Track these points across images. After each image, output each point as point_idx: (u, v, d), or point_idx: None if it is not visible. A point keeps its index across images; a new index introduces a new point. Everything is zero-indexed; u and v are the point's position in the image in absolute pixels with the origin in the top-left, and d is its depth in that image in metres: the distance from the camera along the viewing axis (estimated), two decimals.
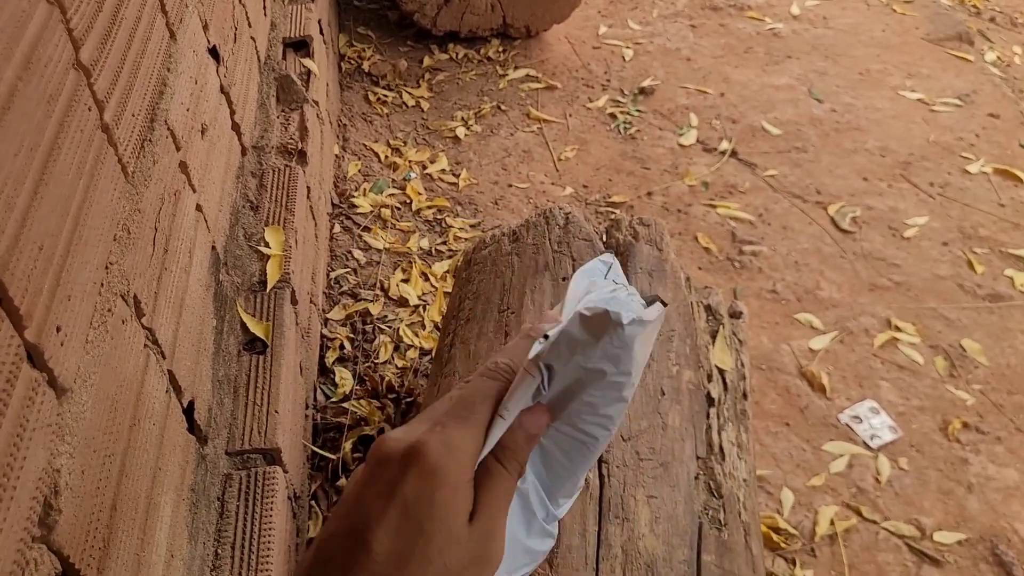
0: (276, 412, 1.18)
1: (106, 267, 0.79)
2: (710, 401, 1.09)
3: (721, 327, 1.24)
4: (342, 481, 1.41)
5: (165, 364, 0.93)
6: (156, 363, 0.90)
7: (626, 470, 0.93)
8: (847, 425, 1.75)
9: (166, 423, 0.90)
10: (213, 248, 1.20)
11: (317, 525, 1.33)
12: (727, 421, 1.10)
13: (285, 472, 1.18)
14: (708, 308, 1.26)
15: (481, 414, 0.47)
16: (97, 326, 0.75)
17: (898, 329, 1.99)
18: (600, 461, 0.94)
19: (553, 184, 2.42)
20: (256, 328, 1.28)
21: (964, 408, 1.80)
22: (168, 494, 0.88)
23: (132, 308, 0.85)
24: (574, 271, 1.22)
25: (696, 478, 0.98)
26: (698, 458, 1.00)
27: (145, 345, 0.87)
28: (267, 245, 1.44)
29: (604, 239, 1.30)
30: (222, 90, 1.38)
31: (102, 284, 0.77)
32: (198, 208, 1.14)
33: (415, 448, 0.44)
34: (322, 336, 1.74)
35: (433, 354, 1.55)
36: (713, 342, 1.21)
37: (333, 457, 1.44)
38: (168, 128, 1.04)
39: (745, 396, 1.20)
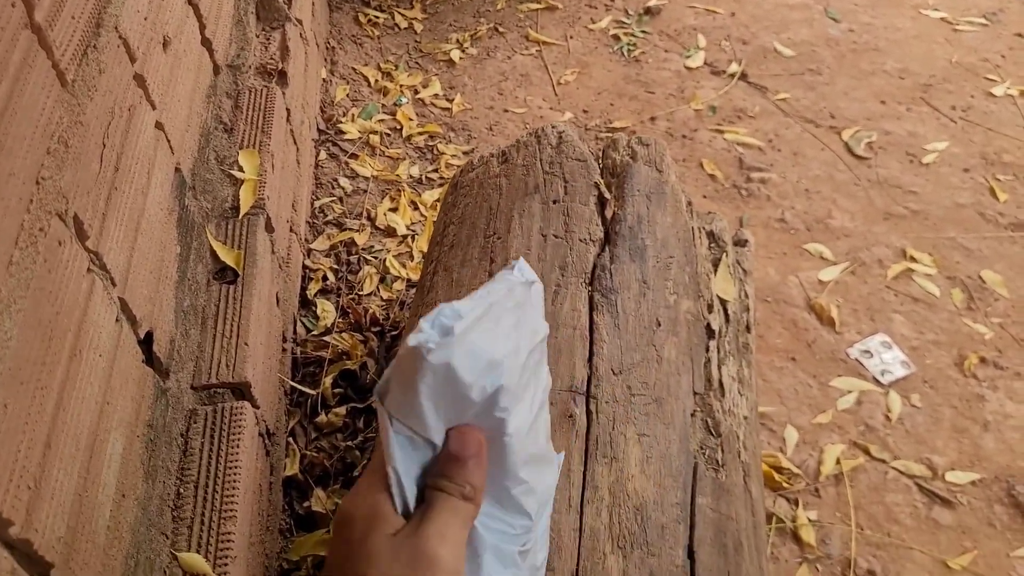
0: (246, 344, 1.13)
1: (37, 182, 0.72)
2: (710, 333, 1.03)
3: (724, 255, 1.17)
4: (321, 417, 1.37)
5: (115, 291, 0.87)
6: (103, 290, 0.83)
7: (616, 406, 0.87)
8: (857, 360, 1.69)
9: (116, 355, 0.84)
10: (177, 170, 1.13)
11: (294, 463, 1.28)
12: (728, 355, 1.04)
13: (256, 408, 1.12)
14: (711, 235, 1.19)
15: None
16: (25, 246, 0.68)
17: (914, 260, 1.92)
18: (588, 396, 0.88)
19: (552, 109, 2.33)
20: (226, 256, 1.22)
21: (982, 342, 1.74)
22: (118, 430, 0.82)
23: (72, 229, 0.79)
24: (566, 193, 1.15)
25: (692, 415, 0.93)
26: (695, 394, 0.94)
27: (89, 270, 0.81)
28: (241, 169, 1.37)
29: (600, 160, 1.22)
30: (189, 1, 1.29)
31: (31, 200, 0.71)
32: (158, 126, 1.07)
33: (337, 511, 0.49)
34: (304, 267, 1.68)
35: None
36: (715, 271, 1.14)
37: (312, 392, 1.39)
38: (120, 36, 0.96)
39: (748, 328, 1.13)
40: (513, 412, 0.50)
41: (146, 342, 0.95)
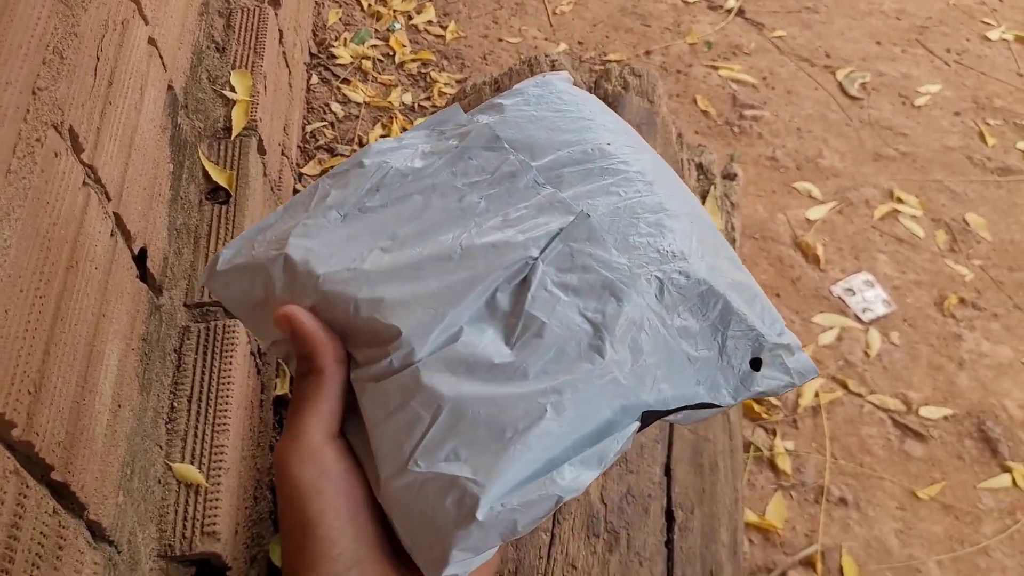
0: None
1: (33, 92, 0.72)
2: None
3: (712, 187, 1.18)
4: None
5: (110, 206, 0.88)
6: (99, 203, 0.84)
7: None
8: (839, 298, 1.72)
9: (111, 268, 0.86)
10: (170, 88, 1.13)
11: (284, 383, 1.30)
12: None
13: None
14: (700, 167, 1.20)
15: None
16: (22, 156, 0.69)
17: (900, 201, 1.94)
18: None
19: (546, 40, 2.31)
20: (219, 176, 1.22)
21: (962, 283, 1.77)
22: (114, 342, 0.84)
23: (67, 141, 0.79)
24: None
25: None
26: None
27: (84, 183, 0.81)
28: (233, 90, 1.36)
29: (592, 90, 1.22)
30: None
31: (28, 110, 0.71)
32: (151, 42, 1.06)
33: (274, 460, 0.43)
34: (295, 192, 1.68)
35: None
36: (703, 203, 1.15)
37: None
38: None
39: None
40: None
41: (140, 258, 0.96)
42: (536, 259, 0.45)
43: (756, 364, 0.47)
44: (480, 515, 0.39)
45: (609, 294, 0.44)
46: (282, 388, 1.30)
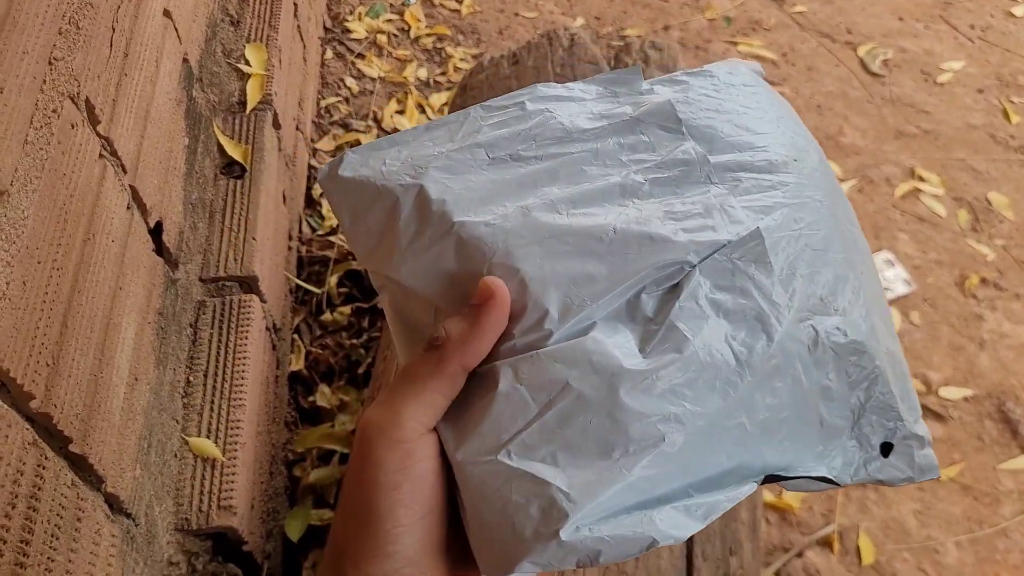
0: (254, 239, 1.14)
1: (49, 62, 0.72)
2: None
3: None
4: (326, 315, 1.38)
5: (126, 179, 0.88)
6: (115, 176, 0.84)
7: None
8: None
9: (128, 241, 0.85)
10: (185, 60, 1.12)
11: (299, 359, 1.30)
12: None
13: (263, 302, 1.14)
14: None
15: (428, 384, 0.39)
16: (39, 127, 0.69)
17: (922, 179, 1.92)
18: None
19: (563, 14, 2.29)
20: (234, 151, 1.22)
21: (984, 263, 1.75)
22: (131, 315, 0.84)
23: (84, 112, 0.79)
24: None
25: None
26: None
27: (101, 155, 0.81)
28: (248, 63, 1.35)
29: (612, 64, 1.21)
30: None
31: (44, 80, 0.70)
32: (166, 14, 1.06)
33: (358, 426, 0.40)
34: (310, 167, 1.67)
35: None
36: None
37: (318, 291, 1.40)
38: None
39: None
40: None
41: (156, 232, 0.96)
42: (695, 267, 0.40)
43: (886, 449, 0.44)
44: (565, 534, 0.35)
45: (761, 329, 0.40)
46: (297, 364, 1.30)
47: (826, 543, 1.31)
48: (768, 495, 1.33)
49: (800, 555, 1.28)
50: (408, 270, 0.43)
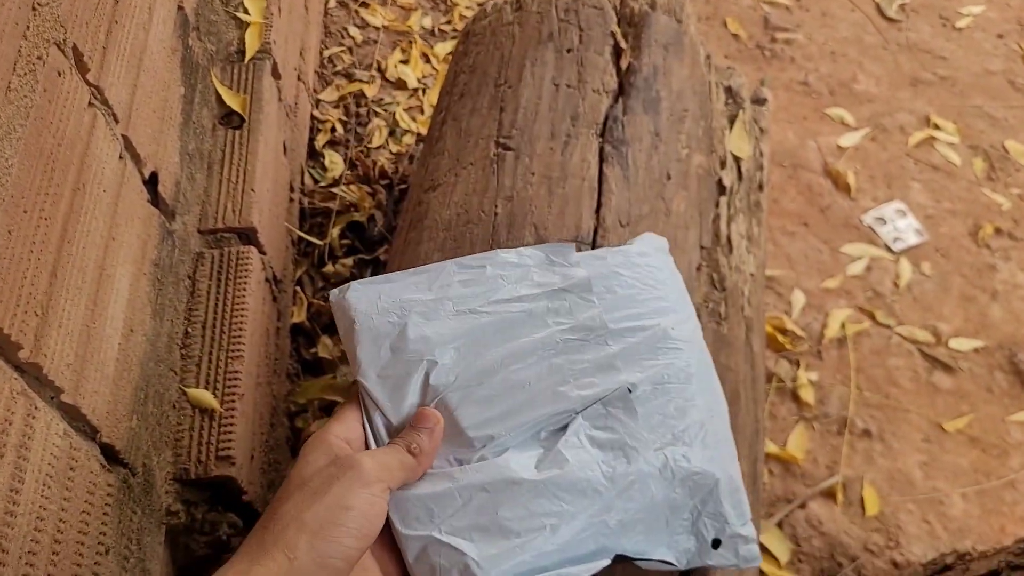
0: (252, 190, 1.13)
1: (33, 8, 0.70)
2: (721, 189, 1.02)
3: (741, 111, 1.15)
4: (329, 267, 1.38)
5: (118, 128, 0.87)
6: (106, 125, 0.83)
7: None
8: (870, 227, 1.69)
9: (121, 191, 0.85)
10: (180, 8, 1.10)
11: (302, 311, 1.30)
12: (738, 212, 1.03)
13: (262, 254, 1.14)
14: (728, 90, 1.17)
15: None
16: (23, 73, 0.68)
17: (937, 127, 1.88)
18: (593, 247, 0.88)
19: None
20: (232, 100, 1.20)
21: (999, 213, 1.73)
22: (125, 266, 0.84)
23: (71, 60, 0.77)
24: (581, 42, 1.13)
25: (698, 269, 0.93)
26: (702, 248, 0.94)
27: (90, 104, 0.80)
28: (246, 11, 1.33)
29: (618, 8, 1.18)
30: None
31: (28, 26, 0.69)
32: None
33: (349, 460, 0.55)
34: (312, 118, 1.66)
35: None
36: (730, 127, 1.12)
37: (320, 243, 1.40)
38: None
39: (761, 187, 1.12)
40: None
41: (151, 183, 0.95)
42: (578, 414, 0.60)
43: (716, 544, 0.61)
44: None
45: (623, 455, 0.59)
46: (299, 316, 1.30)
47: (830, 494, 1.31)
48: (772, 445, 1.33)
49: (803, 506, 1.28)
50: (375, 377, 0.63)
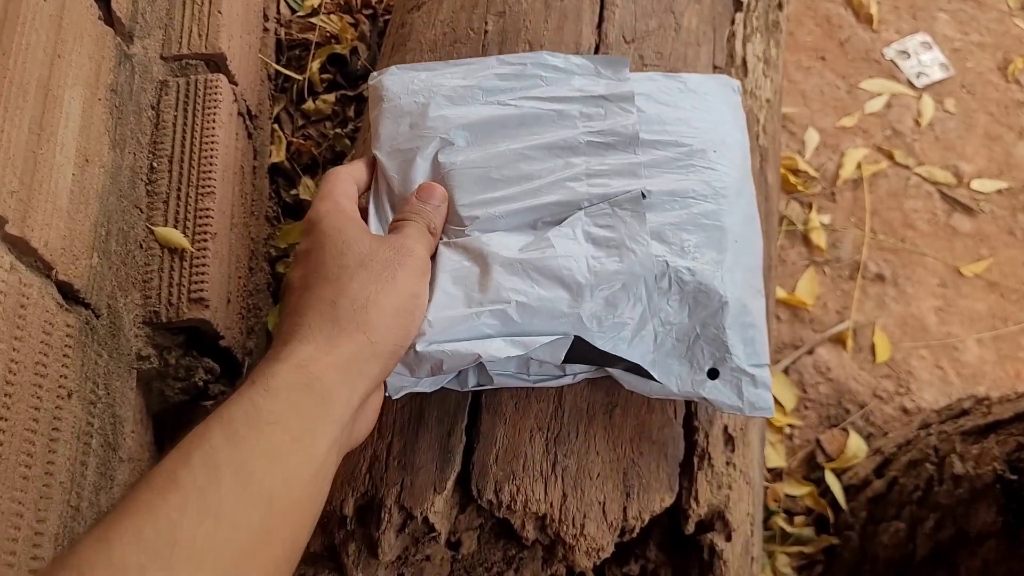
0: (219, 12, 1.04)
1: None
2: (738, 5, 0.94)
3: None
4: (309, 104, 1.30)
5: None
6: None
7: None
8: (892, 61, 1.59)
9: (65, 2, 0.77)
10: None
11: (280, 150, 1.23)
12: (755, 31, 0.95)
13: (234, 84, 1.06)
14: None
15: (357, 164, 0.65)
16: None
17: None
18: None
19: None
20: None
21: None
22: (75, 88, 0.76)
23: None
24: None
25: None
26: (715, 68, 0.87)
27: None
28: None
29: None
30: None
31: None
32: None
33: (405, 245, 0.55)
34: None
35: None
36: None
37: (299, 77, 1.31)
38: None
39: (780, 6, 1.04)
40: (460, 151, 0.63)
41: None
42: (581, 209, 0.58)
43: (713, 374, 0.56)
44: (419, 347, 0.52)
45: (617, 255, 0.55)
46: (277, 156, 1.23)
47: (839, 340, 1.28)
48: (780, 291, 1.29)
49: (811, 352, 1.26)
50: (388, 151, 0.64)
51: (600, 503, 0.57)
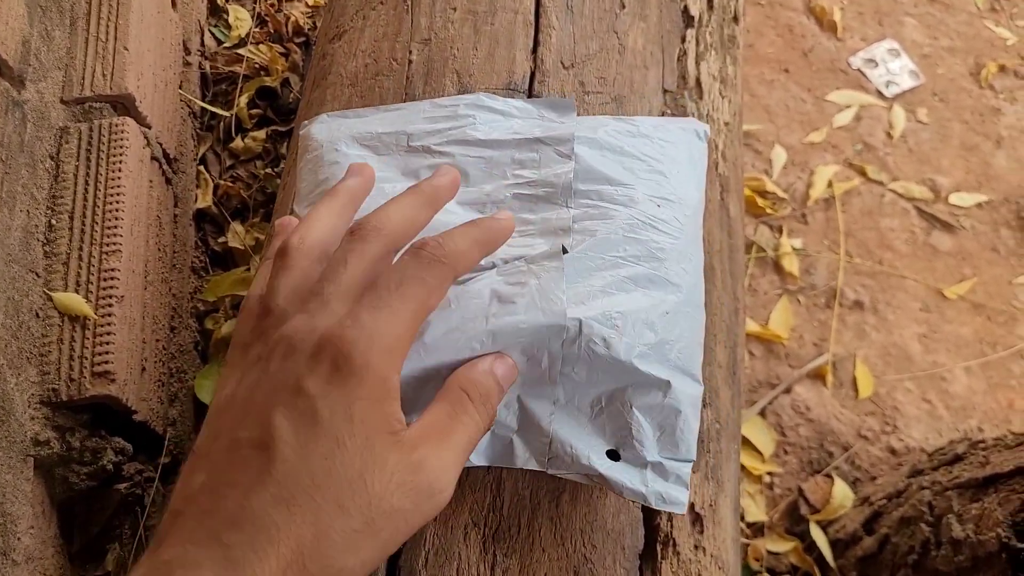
0: (126, 49, 0.98)
1: None
2: (688, 20, 0.89)
3: None
4: (237, 142, 1.24)
5: None
6: None
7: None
8: (859, 70, 1.56)
9: None
10: None
11: (207, 194, 1.17)
12: (709, 48, 0.90)
13: (146, 127, 0.99)
14: None
15: (407, 302, 0.42)
16: None
17: None
18: (530, 96, 0.76)
19: None
20: None
21: (1003, 49, 1.61)
22: None
23: None
24: None
25: (661, 116, 0.81)
26: (665, 92, 0.82)
27: None
28: None
29: None
30: None
31: None
32: None
33: (327, 339, 0.39)
34: None
35: None
36: None
37: (226, 113, 1.25)
38: None
39: (736, 19, 0.99)
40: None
41: None
42: (492, 268, 0.52)
43: (613, 455, 0.50)
44: None
45: (523, 312, 0.48)
46: (204, 200, 1.17)
47: (818, 376, 1.23)
48: (752, 324, 1.23)
49: (788, 391, 1.20)
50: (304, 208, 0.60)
51: None
